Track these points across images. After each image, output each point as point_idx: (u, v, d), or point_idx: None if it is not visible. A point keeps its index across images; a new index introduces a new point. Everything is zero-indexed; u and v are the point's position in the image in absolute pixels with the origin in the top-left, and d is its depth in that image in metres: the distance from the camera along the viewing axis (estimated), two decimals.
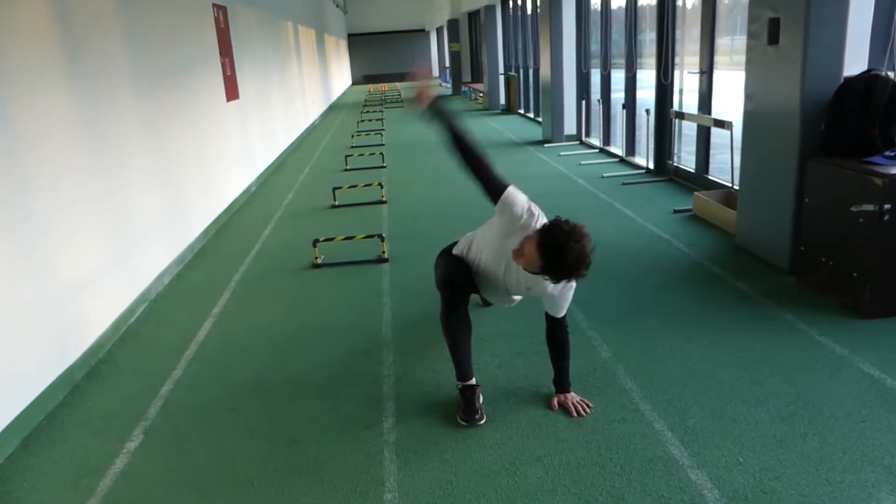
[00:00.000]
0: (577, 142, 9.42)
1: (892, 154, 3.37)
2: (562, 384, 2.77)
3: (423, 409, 2.81)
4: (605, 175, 7.08)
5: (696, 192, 5.40)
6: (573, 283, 2.58)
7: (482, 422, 2.65)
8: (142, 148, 4.54)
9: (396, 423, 2.71)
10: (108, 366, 3.41)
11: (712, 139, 6.13)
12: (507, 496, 2.25)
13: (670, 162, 6.78)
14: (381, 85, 27.34)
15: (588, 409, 2.69)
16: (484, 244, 2.75)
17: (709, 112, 6.01)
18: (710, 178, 6.04)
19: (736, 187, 5.36)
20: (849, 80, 3.57)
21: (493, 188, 2.59)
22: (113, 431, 2.78)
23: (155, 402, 3.01)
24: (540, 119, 12.11)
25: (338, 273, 4.61)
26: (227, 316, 3.97)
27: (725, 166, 5.73)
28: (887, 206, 3.17)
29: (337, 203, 6.59)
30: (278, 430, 2.73)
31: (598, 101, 8.59)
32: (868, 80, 3.47)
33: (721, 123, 5.45)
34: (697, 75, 6.03)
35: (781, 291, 3.75)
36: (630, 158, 7.78)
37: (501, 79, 14.90)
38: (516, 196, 2.58)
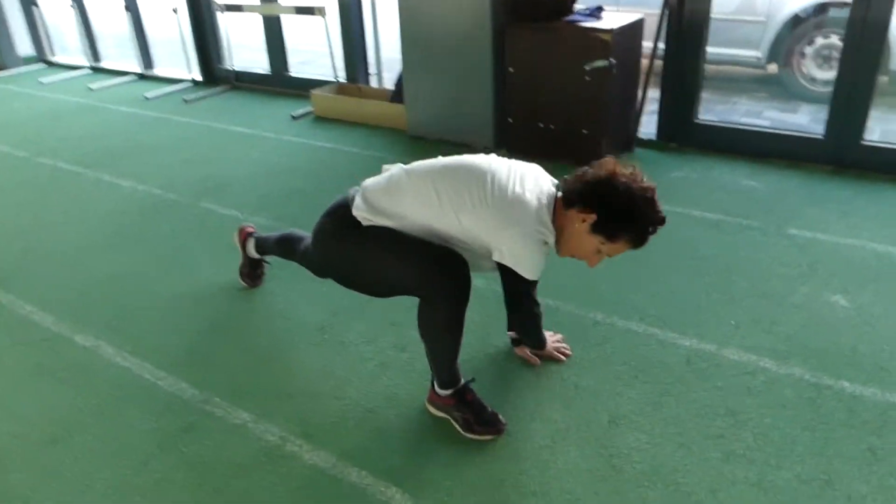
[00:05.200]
0: (42, 63, 7.19)
1: (587, 11, 3.57)
2: (539, 340, 2.15)
3: (409, 455, 1.85)
4: (148, 96, 5.62)
5: (313, 91, 4.79)
6: None
7: (506, 422, 1.91)
8: None
9: (405, 493, 1.72)
10: None
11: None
12: (648, 469, 1.71)
13: (222, 66, 5.82)
14: None
15: (567, 347, 2.21)
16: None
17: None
18: (294, 76, 5.44)
19: (341, 80, 5.00)
20: None
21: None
22: None
23: None
24: None
25: None
26: None
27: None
28: (613, 61, 3.39)
29: None
30: None
31: (73, 5, 6.60)
32: None
33: (310, 10, 4.85)
34: None
35: None
36: (151, 72, 6.36)
37: None
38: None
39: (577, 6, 3.63)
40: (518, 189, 1.73)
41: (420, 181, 1.80)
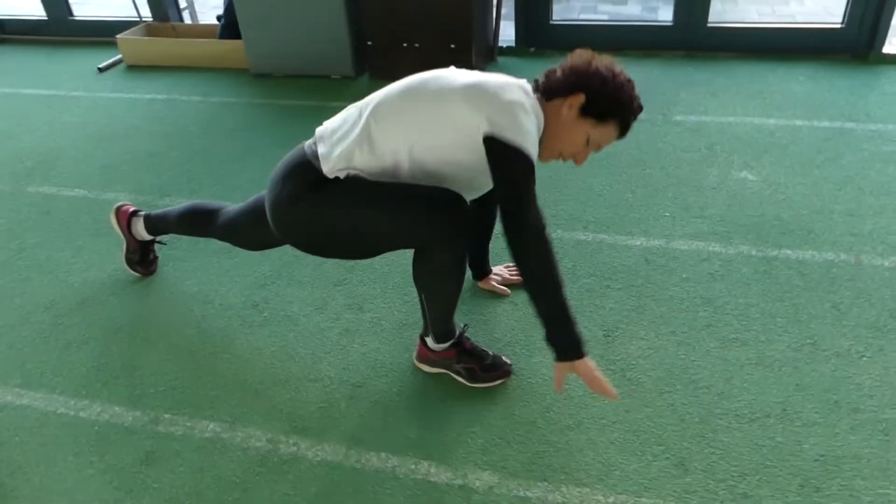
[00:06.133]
0: None
1: None
2: (487, 263, 2.07)
3: (422, 423, 1.68)
4: None
5: (120, 36, 4.05)
6: None
7: (511, 361, 1.80)
8: None
9: (438, 463, 1.57)
10: None
11: None
12: (663, 374, 1.72)
13: None
14: None
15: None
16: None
17: None
18: (81, 20, 4.58)
19: (147, 19, 4.32)
20: None
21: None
22: None
23: None
24: None
25: None
26: None
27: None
28: None
29: None
30: None
31: None
32: None
33: None
34: None
35: None
36: None
37: None
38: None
39: None
40: (498, 77, 1.53)
41: (387, 107, 1.52)
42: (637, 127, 2.89)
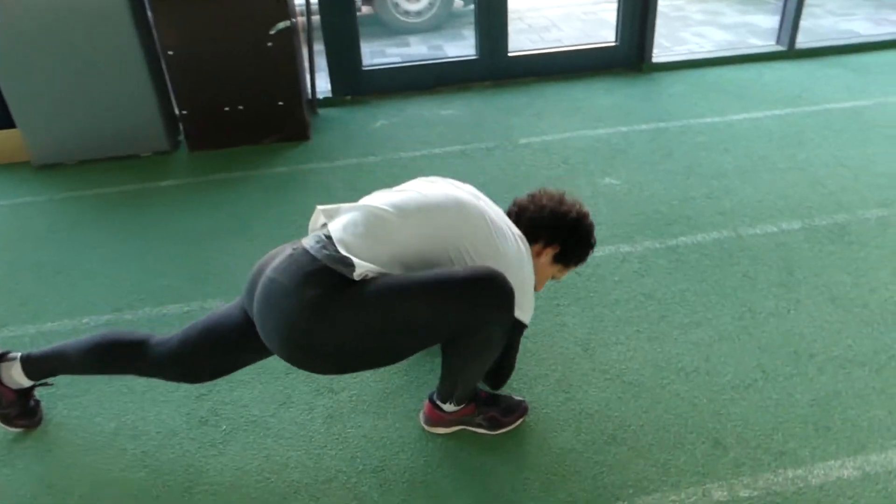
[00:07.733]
0: None
1: None
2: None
3: (469, 484, 1.56)
4: None
5: None
6: None
7: (522, 397, 1.75)
8: None
9: None
10: None
11: None
12: (652, 370, 1.82)
13: None
14: None
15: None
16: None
17: None
18: None
19: None
20: None
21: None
22: None
23: None
24: None
25: None
26: None
27: None
28: (294, 20, 3.10)
29: None
30: None
31: None
32: None
33: None
34: None
35: (211, 165, 3.16)
36: None
37: None
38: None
39: None
40: (508, 232, 1.56)
41: (416, 221, 1.46)
42: (492, 156, 3.04)
